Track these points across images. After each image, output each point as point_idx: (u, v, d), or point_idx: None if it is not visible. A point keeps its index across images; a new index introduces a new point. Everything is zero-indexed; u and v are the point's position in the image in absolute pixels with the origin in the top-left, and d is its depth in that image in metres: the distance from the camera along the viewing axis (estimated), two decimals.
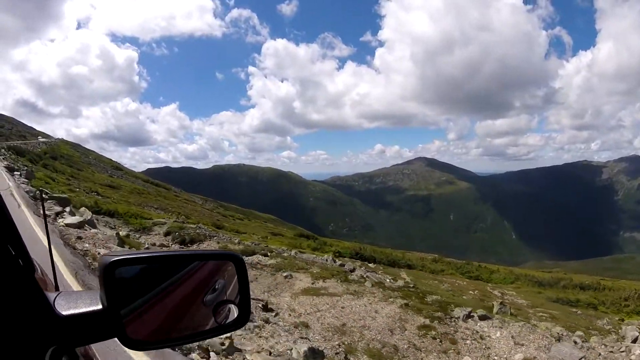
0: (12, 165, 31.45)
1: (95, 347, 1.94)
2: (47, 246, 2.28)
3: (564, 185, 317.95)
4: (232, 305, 1.43)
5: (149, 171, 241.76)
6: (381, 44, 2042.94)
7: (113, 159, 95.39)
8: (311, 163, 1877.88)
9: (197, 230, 22.72)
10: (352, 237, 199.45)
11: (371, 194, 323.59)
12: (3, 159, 35.58)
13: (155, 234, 21.62)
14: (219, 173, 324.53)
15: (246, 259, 17.91)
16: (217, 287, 1.43)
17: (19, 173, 26.40)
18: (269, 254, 20.43)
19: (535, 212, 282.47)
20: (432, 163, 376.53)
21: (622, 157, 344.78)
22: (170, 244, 19.97)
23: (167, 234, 21.34)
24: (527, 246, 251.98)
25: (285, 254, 21.83)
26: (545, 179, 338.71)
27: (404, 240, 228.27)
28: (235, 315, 1.43)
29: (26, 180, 24.65)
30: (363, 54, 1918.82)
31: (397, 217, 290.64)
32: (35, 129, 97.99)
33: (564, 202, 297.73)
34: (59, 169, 43.51)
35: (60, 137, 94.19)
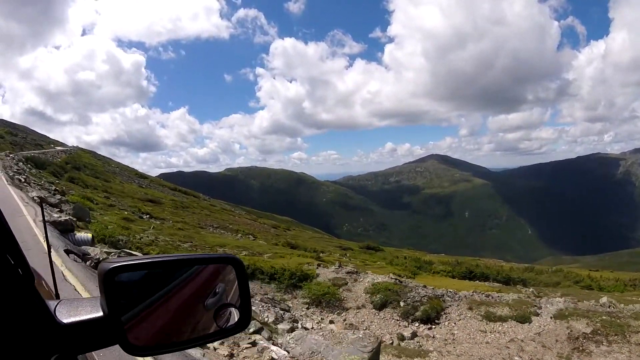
0: (50, 198, 20.39)
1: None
2: (47, 254, 2.24)
3: (579, 178, 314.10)
4: (233, 309, 1.42)
5: (162, 176, 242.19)
6: (391, 40, 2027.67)
7: (129, 166, 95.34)
8: (322, 163, 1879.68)
9: (421, 291, 15.37)
10: (366, 237, 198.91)
11: (384, 193, 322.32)
12: (24, 180, 26.63)
13: (350, 308, 13.77)
14: (232, 176, 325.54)
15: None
16: (217, 290, 1.41)
17: (77, 224, 14.77)
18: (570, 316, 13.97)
19: (549, 207, 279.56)
20: (445, 160, 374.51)
21: (637, 148, 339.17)
22: (409, 323, 13.64)
23: (382, 306, 14.14)
24: (542, 242, 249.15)
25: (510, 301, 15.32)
26: (559, 172, 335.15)
27: (418, 240, 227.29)
28: (236, 319, 1.41)
29: (87, 239, 12.92)
30: (373, 51, 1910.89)
31: (412, 216, 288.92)
32: (48, 137, 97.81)
33: (579, 196, 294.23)
34: (89, 182, 42.45)
35: (75, 145, 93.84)
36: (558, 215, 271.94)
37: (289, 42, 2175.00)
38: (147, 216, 29.56)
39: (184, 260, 1.44)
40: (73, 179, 40.82)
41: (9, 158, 41.71)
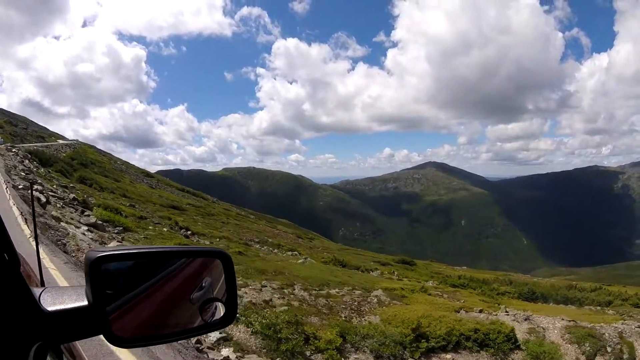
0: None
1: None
2: (34, 241, 2.28)
3: (576, 190, 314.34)
4: (219, 304, 1.41)
5: (160, 173, 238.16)
6: (394, 44, 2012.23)
7: (133, 164, 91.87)
8: (319, 166, 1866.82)
9: (610, 332, 14.57)
10: (363, 243, 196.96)
11: (382, 198, 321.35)
12: (40, 191, 18.96)
13: None
14: (229, 176, 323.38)
15: None
16: (204, 284, 1.41)
17: None
18: None
19: (546, 217, 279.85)
20: (443, 168, 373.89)
21: (635, 162, 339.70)
22: None
23: (594, 355, 13.35)
24: (538, 252, 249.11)
25: None
26: (556, 184, 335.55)
27: (415, 247, 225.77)
28: (222, 314, 1.41)
29: None
30: (376, 55, 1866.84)
31: (408, 222, 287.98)
32: (48, 129, 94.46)
33: (576, 207, 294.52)
34: (102, 183, 38.59)
35: (75, 139, 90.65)
36: (554, 226, 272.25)
37: (292, 43, 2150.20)
38: (189, 232, 25.69)
39: (171, 252, 1.44)
40: (84, 179, 37.62)
41: (11, 154, 37.11)
